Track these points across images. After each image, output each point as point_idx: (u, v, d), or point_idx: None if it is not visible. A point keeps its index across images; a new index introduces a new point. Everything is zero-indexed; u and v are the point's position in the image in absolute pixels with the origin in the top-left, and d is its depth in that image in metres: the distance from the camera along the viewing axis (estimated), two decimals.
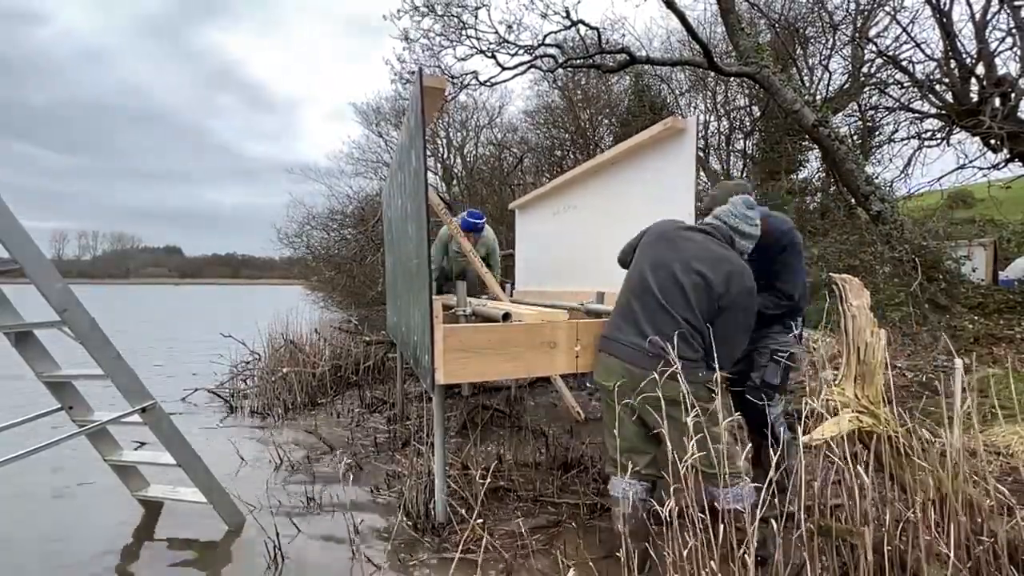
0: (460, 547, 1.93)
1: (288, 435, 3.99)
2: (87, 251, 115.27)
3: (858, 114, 9.35)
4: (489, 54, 8.70)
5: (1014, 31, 6.06)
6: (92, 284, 65.30)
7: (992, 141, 6.34)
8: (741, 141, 11.36)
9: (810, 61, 9.81)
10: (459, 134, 13.47)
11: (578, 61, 8.69)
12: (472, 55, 8.86)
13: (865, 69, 8.57)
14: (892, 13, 7.34)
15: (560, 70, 9.42)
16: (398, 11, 8.39)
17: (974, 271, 7.10)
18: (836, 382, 1.84)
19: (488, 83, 9.32)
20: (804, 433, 1.68)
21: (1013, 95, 6.08)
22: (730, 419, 1.74)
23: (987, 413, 2.98)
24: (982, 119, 5.84)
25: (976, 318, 5.49)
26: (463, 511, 2.30)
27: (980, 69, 6.43)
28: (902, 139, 7.99)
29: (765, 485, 1.46)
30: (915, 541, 1.57)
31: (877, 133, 9.15)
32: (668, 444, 1.69)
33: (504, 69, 8.90)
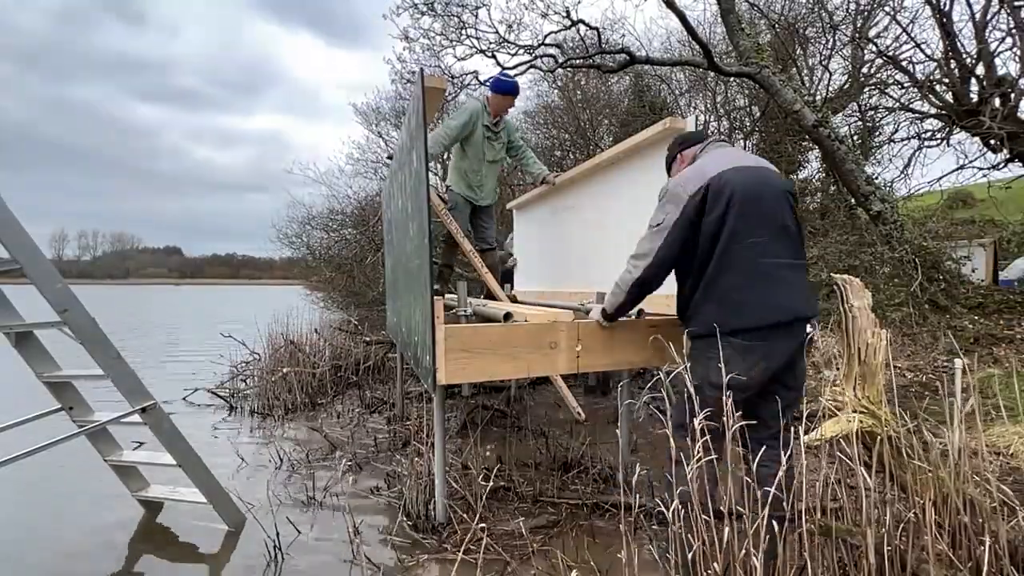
0: (460, 547, 1.92)
1: (288, 435, 3.98)
2: (87, 251, 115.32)
3: (858, 114, 9.34)
4: (489, 54, 8.71)
5: (1014, 31, 6.06)
6: (92, 284, 65.28)
7: (992, 141, 6.34)
8: (741, 141, 11.34)
9: (810, 61, 9.80)
10: None
11: (578, 61, 8.69)
12: (472, 55, 8.87)
13: (865, 69, 8.57)
14: (892, 13, 7.34)
15: (560, 70, 9.42)
16: (398, 8, 8.40)
17: (974, 271, 7.10)
18: (836, 383, 1.83)
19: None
20: (804, 433, 1.68)
21: (1013, 95, 6.08)
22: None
23: (988, 413, 2.98)
24: (982, 119, 5.84)
25: (976, 318, 5.49)
26: (463, 511, 2.30)
27: (980, 69, 6.43)
28: (902, 139, 8.00)
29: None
30: (916, 542, 1.57)
31: (877, 133, 9.15)
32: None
33: (504, 69, 8.90)
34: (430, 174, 2.31)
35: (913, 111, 7.68)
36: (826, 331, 4.48)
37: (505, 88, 3.75)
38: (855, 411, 1.73)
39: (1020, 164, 6.43)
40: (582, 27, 8.29)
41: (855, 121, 9.45)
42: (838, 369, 1.87)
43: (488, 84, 3.88)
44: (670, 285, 2.77)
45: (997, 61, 6.34)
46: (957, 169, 6.95)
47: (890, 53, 7.46)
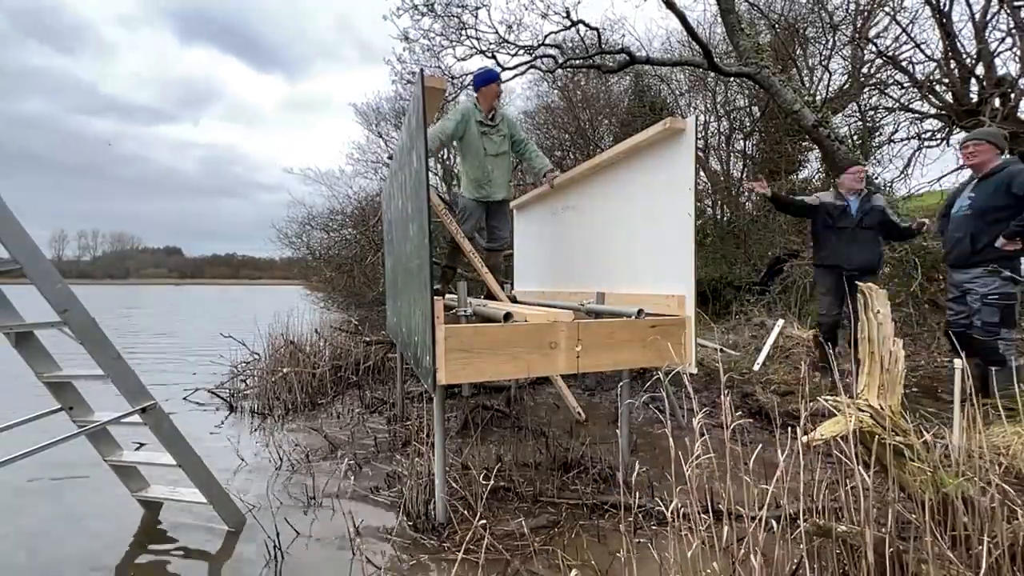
0: (460, 547, 1.92)
1: (288, 435, 3.98)
2: (87, 251, 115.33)
3: (858, 114, 9.33)
4: (489, 54, 8.72)
5: (1014, 31, 6.06)
6: (92, 284, 65.29)
7: None
8: (741, 141, 11.35)
9: (810, 61, 9.79)
10: None
11: (578, 61, 8.69)
12: (472, 55, 8.88)
13: (865, 69, 8.56)
14: (892, 13, 7.34)
15: (560, 70, 9.42)
16: (398, 8, 8.40)
17: None
18: (859, 391, 1.82)
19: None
20: (804, 433, 1.68)
21: (1013, 95, 6.08)
22: None
23: (988, 413, 2.97)
24: (982, 119, 5.84)
25: None
26: (463, 511, 2.30)
27: (980, 69, 6.44)
28: (902, 139, 7.99)
29: None
30: (916, 542, 1.57)
31: (877, 133, 9.13)
32: None
33: (504, 69, 8.90)
34: (430, 174, 2.31)
35: (913, 111, 7.67)
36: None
37: (485, 79, 3.85)
38: (862, 410, 1.72)
39: None
40: (582, 27, 8.30)
41: (855, 121, 9.44)
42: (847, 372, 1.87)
43: (472, 84, 3.98)
44: (669, 285, 2.78)
45: (997, 61, 6.35)
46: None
47: (890, 53, 7.46)
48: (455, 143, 3.89)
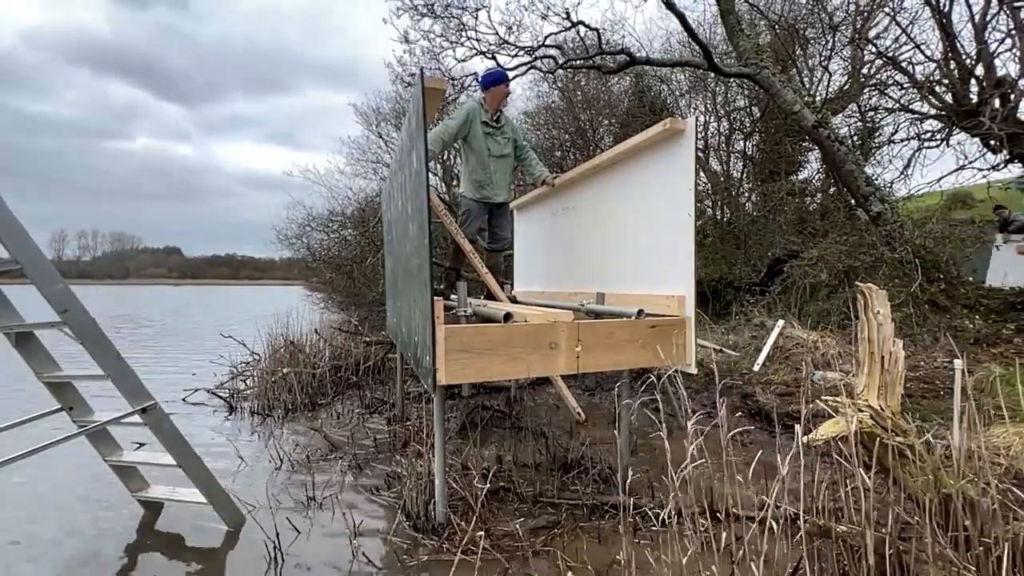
0: (460, 548, 1.92)
1: (288, 436, 3.98)
2: (87, 251, 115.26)
3: (858, 115, 9.35)
4: (489, 55, 8.71)
5: (1013, 32, 6.06)
6: (92, 284, 65.29)
7: (992, 142, 6.34)
8: (741, 142, 11.36)
9: (810, 62, 9.81)
10: None
11: (578, 62, 8.69)
12: (472, 56, 8.87)
13: (865, 70, 8.57)
14: (892, 14, 7.34)
15: (560, 71, 9.42)
16: (398, 9, 8.41)
17: (975, 272, 7.10)
18: (859, 392, 1.82)
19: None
20: (804, 434, 1.68)
21: (1013, 96, 6.08)
22: None
23: (988, 413, 2.97)
24: (982, 120, 5.84)
25: (977, 319, 5.50)
26: (463, 512, 2.30)
27: (980, 70, 6.44)
28: (902, 140, 7.99)
29: None
30: (917, 543, 1.57)
31: (877, 134, 9.15)
32: None
33: (504, 70, 8.90)
34: (430, 175, 2.31)
35: (913, 112, 7.67)
36: (826, 331, 4.46)
37: (493, 79, 3.85)
38: (860, 410, 1.72)
39: (1020, 165, 6.43)
40: (582, 28, 8.30)
41: (855, 122, 9.45)
42: (843, 370, 1.87)
43: (479, 83, 3.97)
44: (669, 286, 2.78)
45: (997, 62, 6.35)
46: (957, 170, 6.94)
47: (890, 54, 7.46)
48: (459, 142, 3.89)
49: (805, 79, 9.60)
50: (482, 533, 2.05)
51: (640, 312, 2.60)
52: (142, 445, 3.53)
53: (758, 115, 10.70)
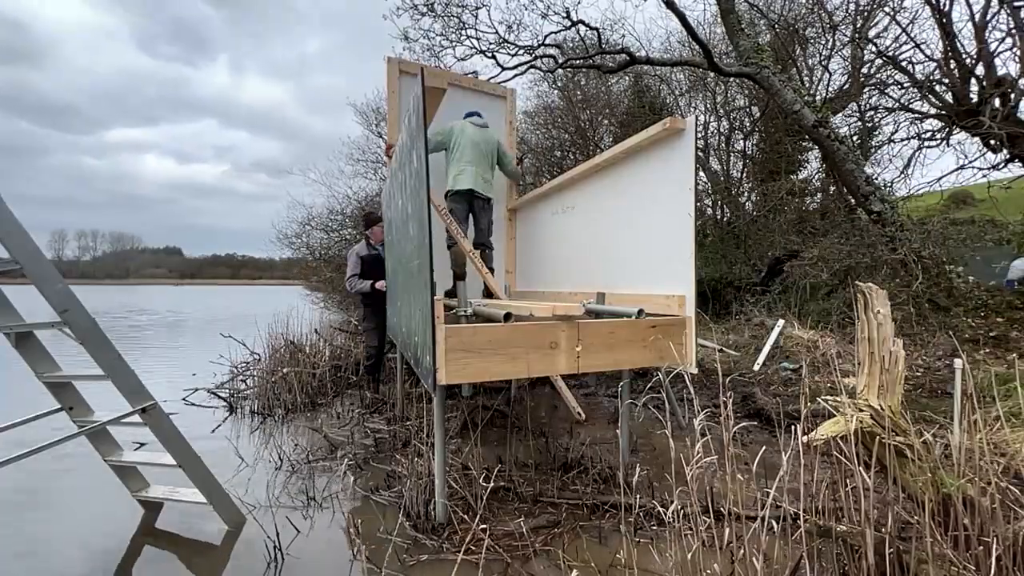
0: (460, 548, 1.92)
1: (288, 435, 3.98)
2: (87, 251, 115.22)
3: (858, 114, 9.34)
4: (489, 54, 8.72)
5: (1014, 32, 6.06)
6: (92, 285, 65.30)
7: (992, 142, 6.34)
8: (741, 141, 11.36)
9: (810, 61, 9.80)
10: None
11: (578, 61, 8.70)
12: (472, 55, 8.88)
13: (865, 69, 8.56)
14: (892, 13, 7.34)
15: (560, 70, 9.43)
16: (398, 8, 8.41)
17: (971, 276, 7.08)
18: (860, 392, 1.82)
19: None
20: (804, 433, 1.68)
21: (1013, 96, 6.08)
22: None
23: (988, 413, 2.97)
24: (982, 120, 5.84)
25: (976, 319, 5.49)
26: (463, 512, 2.30)
27: (980, 70, 6.43)
28: (902, 139, 7.98)
29: None
30: (917, 542, 1.57)
31: (877, 133, 9.14)
32: None
33: (504, 69, 8.91)
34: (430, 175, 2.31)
35: (913, 111, 7.67)
36: (826, 331, 4.46)
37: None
38: (860, 410, 1.72)
39: (1020, 164, 6.43)
40: (582, 27, 8.31)
41: (855, 121, 9.45)
42: (846, 373, 1.87)
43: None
44: (670, 285, 2.78)
45: (997, 61, 6.35)
46: (957, 169, 6.94)
47: (890, 53, 7.46)
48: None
49: (805, 78, 9.60)
50: (483, 532, 2.06)
51: (640, 312, 2.60)
52: (142, 445, 3.53)
53: (758, 115, 10.70)
